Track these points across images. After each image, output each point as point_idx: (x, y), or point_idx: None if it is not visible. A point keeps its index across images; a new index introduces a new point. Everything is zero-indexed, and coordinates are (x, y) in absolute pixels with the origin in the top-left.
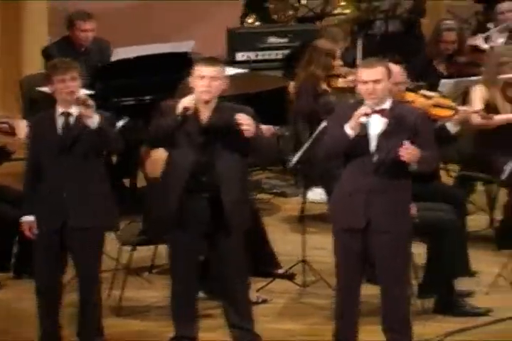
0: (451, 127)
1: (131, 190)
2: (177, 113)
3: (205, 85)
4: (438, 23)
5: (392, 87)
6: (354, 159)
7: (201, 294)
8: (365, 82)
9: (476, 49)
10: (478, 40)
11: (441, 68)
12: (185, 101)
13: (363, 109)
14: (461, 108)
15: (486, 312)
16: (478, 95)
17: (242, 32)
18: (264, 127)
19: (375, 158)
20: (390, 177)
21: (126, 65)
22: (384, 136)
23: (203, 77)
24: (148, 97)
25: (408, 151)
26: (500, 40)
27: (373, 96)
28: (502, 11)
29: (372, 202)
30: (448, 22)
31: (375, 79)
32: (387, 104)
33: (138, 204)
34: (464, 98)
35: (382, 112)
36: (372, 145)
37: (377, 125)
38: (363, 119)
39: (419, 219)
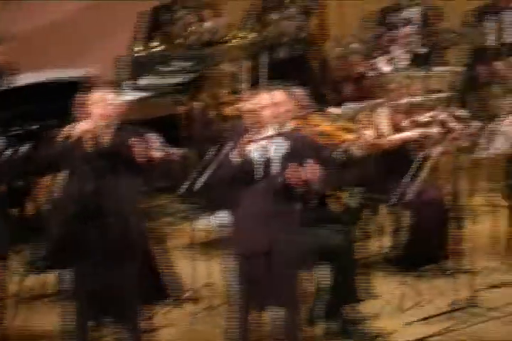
0: (355, 150)
1: (20, 219)
2: (72, 138)
3: (99, 110)
4: (344, 46)
5: (295, 110)
6: (253, 182)
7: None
8: (266, 106)
9: (379, 72)
10: (380, 64)
11: (347, 91)
12: (82, 127)
13: (264, 133)
14: (364, 131)
15: (378, 337)
16: (382, 118)
17: (144, 56)
18: (169, 150)
19: (272, 182)
20: (290, 200)
21: (19, 92)
22: (285, 159)
23: (98, 102)
24: (40, 124)
25: (308, 170)
26: (403, 63)
27: (274, 120)
28: (405, 35)
29: (272, 225)
30: (353, 46)
31: (276, 103)
32: (288, 128)
33: (27, 233)
34: (367, 121)
35: (283, 135)
36: (274, 168)
37: (278, 148)
38: (264, 143)
39: (312, 244)
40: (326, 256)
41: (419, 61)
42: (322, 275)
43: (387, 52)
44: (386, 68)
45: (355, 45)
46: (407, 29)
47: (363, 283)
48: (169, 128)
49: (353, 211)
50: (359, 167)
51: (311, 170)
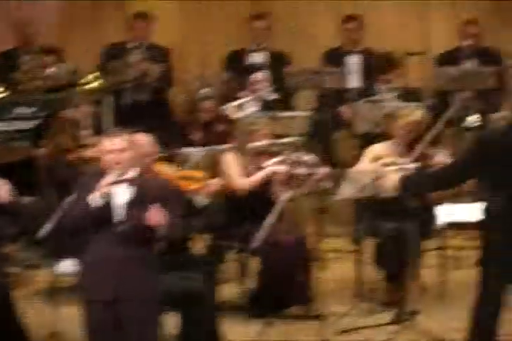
0: (200, 199)
1: None
2: None
3: None
4: (193, 91)
5: (139, 156)
6: (100, 229)
7: None
8: (109, 152)
9: (229, 118)
10: (230, 109)
11: (197, 137)
12: None
13: (107, 179)
14: (208, 181)
15: None
16: (229, 163)
17: None
18: (17, 197)
19: (121, 228)
20: (137, 246)
21: None
22: (130, 205)
23: None
24: None
25: (155, 215)
26: (252, 109)
27: (118, 166)
28: (254, 81)
29: (120, 271)
30: (204, 90)
31: (119, 149)
32: (132, 174)
33: None
34: (216, 166)
35: (127, 181)
36: (118, 214)
37: (122, 194)
38: (108, 189)
39: (170, 288)
40: (187, 299)
41: (267, 106)
42: (183, 318)
43: (236, 97)
44: (235, 114)
45: (204, 91)
46: (255, 75)
47: (223, 327)
48: (24, 173)
49: (215, 254)
50: (205, 215)
51: (156, 216)
